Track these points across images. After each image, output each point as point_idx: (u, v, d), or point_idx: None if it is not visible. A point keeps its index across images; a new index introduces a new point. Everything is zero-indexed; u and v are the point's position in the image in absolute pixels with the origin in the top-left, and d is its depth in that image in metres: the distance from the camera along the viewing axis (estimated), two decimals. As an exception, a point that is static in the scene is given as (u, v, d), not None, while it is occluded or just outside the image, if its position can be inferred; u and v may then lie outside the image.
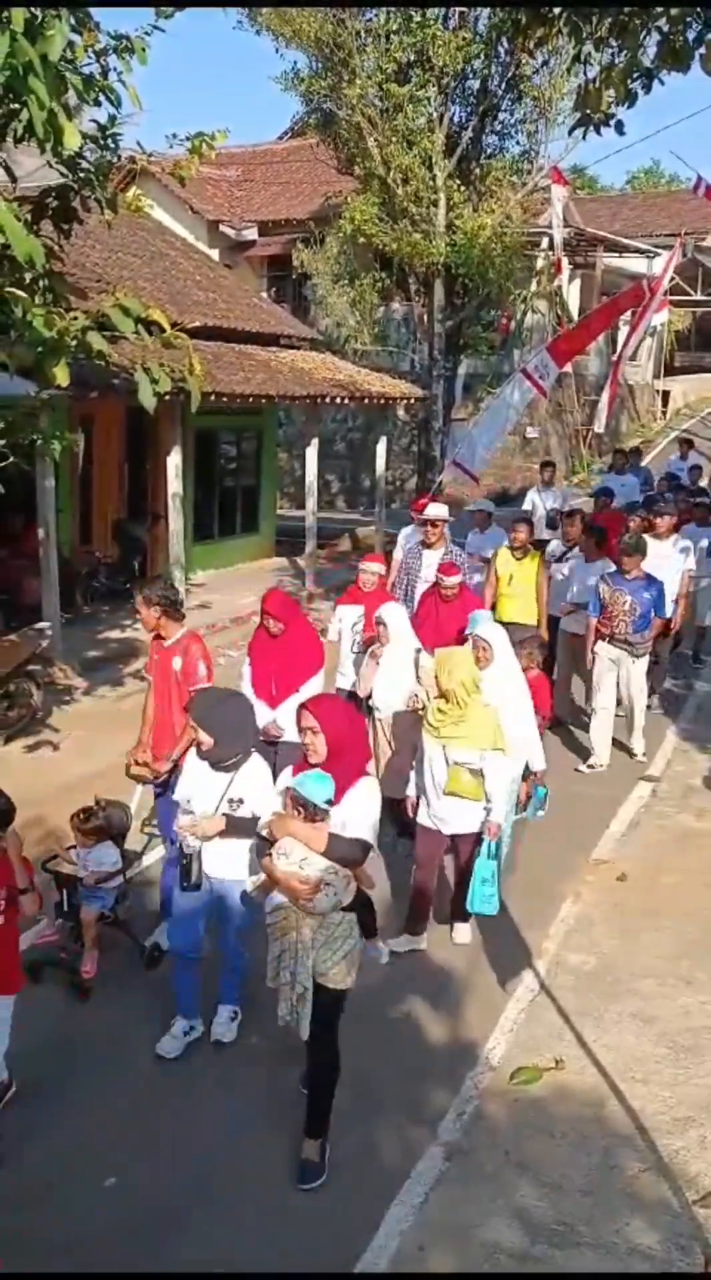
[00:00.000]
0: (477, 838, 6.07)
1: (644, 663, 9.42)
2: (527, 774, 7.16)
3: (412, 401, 18.91)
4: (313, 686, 6.95)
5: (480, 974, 6.13)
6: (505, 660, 6.82)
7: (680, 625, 11.04)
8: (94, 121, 7.45)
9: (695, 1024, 5.61)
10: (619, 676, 9.38)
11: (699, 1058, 5.32)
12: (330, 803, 4.31)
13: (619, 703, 9.53)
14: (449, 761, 5.93)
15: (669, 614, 9.76)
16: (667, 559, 10.35)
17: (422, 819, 6.21)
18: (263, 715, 6.69)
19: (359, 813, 4.38)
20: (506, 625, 8.60)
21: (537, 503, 14.01)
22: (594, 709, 9.61)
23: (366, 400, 17.05)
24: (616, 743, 9.63)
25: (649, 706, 10.06)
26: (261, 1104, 5.00)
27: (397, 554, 10.62)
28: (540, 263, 23.19)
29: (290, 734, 6.47)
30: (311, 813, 4.31)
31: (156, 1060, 5.26)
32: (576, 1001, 5.83)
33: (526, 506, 14.10)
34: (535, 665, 8.01)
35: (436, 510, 9.53)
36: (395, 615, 7.54)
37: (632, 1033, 5.55)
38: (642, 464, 18.15)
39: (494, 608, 9.69)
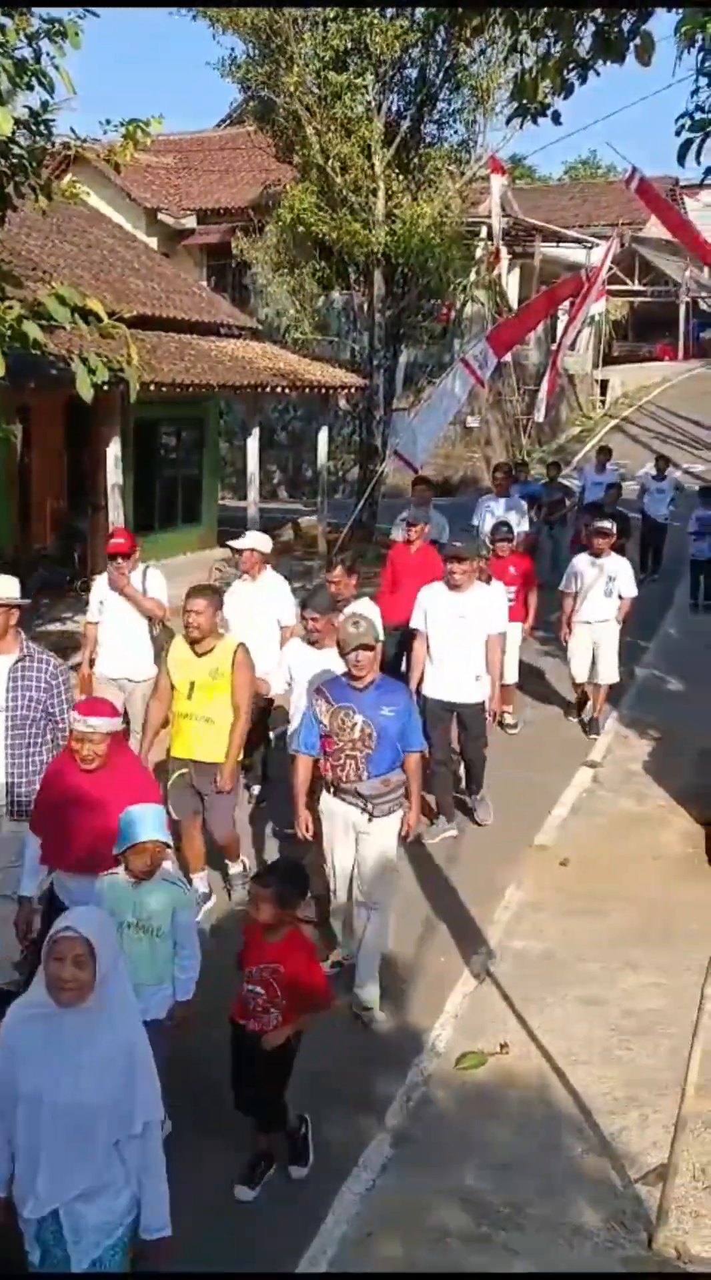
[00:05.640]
0: None
1: (389, 828, 5.52)
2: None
3: (353, 391, 18.88)
4: None
5: (425, 961, 6.17)
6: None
7: (498, 709, 8.04)
8: (27, 107, 7.36)
9: (638, 1006, 5.70)
10: (356, 852, 5.54)
11: (641, 1039, 5.41)
12: None
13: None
14: None
15: (422, 747, 5.73)
16: (467, 621, 7.27)
17: None
18: None
19: None
20: (191, 763, 6.09)
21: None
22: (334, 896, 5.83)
23: (307, 390, 16.99)
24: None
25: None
26: (206, 1094, 4.98)
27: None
28: (479, 252, 23.27)
29: None
30: None
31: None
32: (521, 987, 5.89)
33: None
34: (292, 920, 4.38)
35: None
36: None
37: (577, 1016, 5.63)
38: (536, 478, 16.36)
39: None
